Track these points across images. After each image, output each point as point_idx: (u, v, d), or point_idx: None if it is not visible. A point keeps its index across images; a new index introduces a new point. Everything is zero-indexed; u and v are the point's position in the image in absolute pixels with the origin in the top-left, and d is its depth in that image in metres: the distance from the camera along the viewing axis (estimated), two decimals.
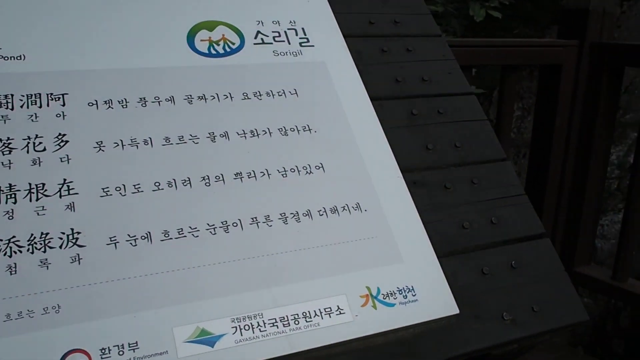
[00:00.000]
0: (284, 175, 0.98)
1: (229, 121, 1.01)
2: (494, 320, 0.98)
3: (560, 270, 1.07)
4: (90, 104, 0.95)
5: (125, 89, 0.99)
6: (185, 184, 0.92)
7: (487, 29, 3.68)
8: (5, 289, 0.78)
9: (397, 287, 0.93)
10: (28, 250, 0.81)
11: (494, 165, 1.16)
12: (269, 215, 0.93)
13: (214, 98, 1.03)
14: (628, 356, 3.57)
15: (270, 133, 1.02)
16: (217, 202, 0.92)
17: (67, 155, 0.90)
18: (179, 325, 0.81)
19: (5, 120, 0.90)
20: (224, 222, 0.91)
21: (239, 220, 0.92)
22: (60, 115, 0.93)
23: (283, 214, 0.94)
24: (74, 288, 0.80)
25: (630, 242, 2.30)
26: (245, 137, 1.00)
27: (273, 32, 1.15)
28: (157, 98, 0.99)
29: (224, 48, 1.09)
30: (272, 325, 0.85)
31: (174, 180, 0.92)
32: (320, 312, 0.88)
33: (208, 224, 0.90)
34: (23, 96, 0.93)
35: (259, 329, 0.84)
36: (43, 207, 0.84)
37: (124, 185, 0.89)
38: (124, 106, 0.97)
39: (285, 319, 0.86)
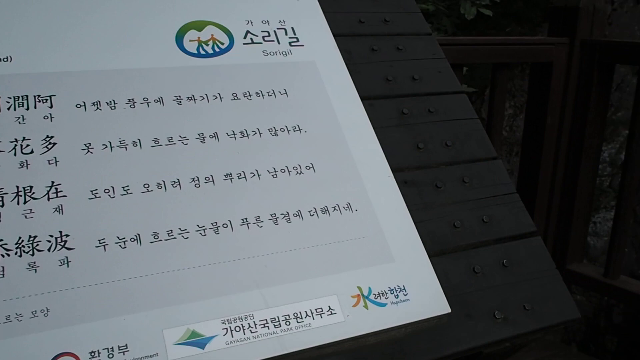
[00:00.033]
0: (274, 176, 0.98)
1: (218, 122, 1.00)
2: (486, 319, 0.98)
3: (552, 268, 1.07)
4: (78, 106, 0.95)
5: (113, 90, 0.98)
6: (174, 185, 0.92)
7: (479, 28, 3.68)
8: None
9: (389, 287, 0.93)
10: (16, 253, 0.80)
11: (485, 164, 1.16)
12: (259, 216, 0.93)
13: (203, 99, 1.02)
14: (621, 353, 3.58)
15: (260, 133, 1.01)
16: (207, 204, 0.92)
17: (55, 158, 0.89)
18: (169, 327, 0.81)
19: None
20: (214, 224, 0.90)
21: (229, 221, 0.91)
22: (47, 117, 0.92)
23: (273, 215, 0.94)
24: (62, 291, 0.79)
25: (622, 240, 2.31)
26: (235, 137, 1.00)
27: (262, 31, 1.15)
28: (145, 99, 0.99)
29: (213, 48, 1.09)
30: (263, 326, 0.84)
31: (163, 181, 0.92)
32: (312, 313, 0.87)
33: (198, 226, 0.89)
34: (10, 98, 0.92)
35: (250, 330, 0.83)
36: (31, 210, 0.84)
37: (112, 187, 0.89)
38: (112, 107, 0.96)
39: (277, 319, 0.85)
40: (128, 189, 0.89)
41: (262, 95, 1.06)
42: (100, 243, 0.84)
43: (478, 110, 3.84)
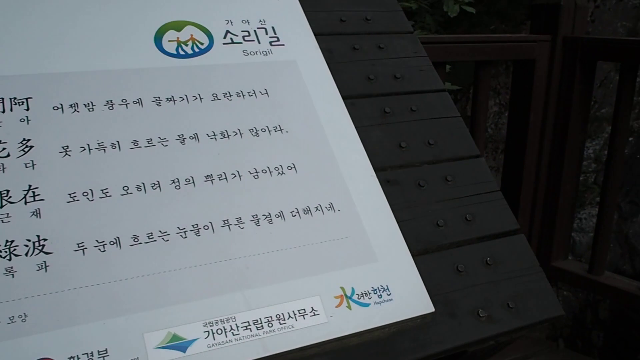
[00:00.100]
0: (256, 177, 0.97)
1: (198, 123, 0.99)
2: (470, 318, 0.97)
3: (535, 265, 1.07)
4: (56, 108, 0.93)
5: (91, 92, 0.97)
6: (154, 187, 0.91)
7: (463, 26, 3.69)
8: None
9: (372, 287, 0.92)
10: None
11: (467, 162, 1.16)
12: (240, 218, 0.92)
13: (183, 99, 1.01)
14: (607, 348, 3.60)
15: (241, 134, 1.01)
16: (187, 205, 0.91)
17: (32, 161, 0.88)
18: (149, 331, 0.80)
19: None
20: (195, 226, 0.90)
21: (210, 223, 0.90)
22: (24, 119, 0.91)
23: (255, 216, 0.93)
24: (40, 296, 0.78)
25: (606, 237, 2.32)
26: (215, 138, 0.99)
27: (242, 31, 1.14)
28: (124, 100, 0.98)
29: (192, 48, 1.08)
30: (245, 328, 0.83)
31: (143, 184, 0.91)
32: (294, 314, 0.87)
33: (179, 228, 0.89)
34: None
35: (232, 333, 0.82)
36: (8, 214, 0.83)
37: (91, 190, 0.88)
38: (91, 109, 0.95)
39: (259, 321, 0.85)
40: (107, 192, 0.88)
41: (243, 95, 1.05)
42: (79, 247, 0.83)
43: (463, 108, 3.85)
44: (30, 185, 0.86)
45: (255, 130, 1.02)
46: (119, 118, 0.96)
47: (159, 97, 1.00)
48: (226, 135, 0.99)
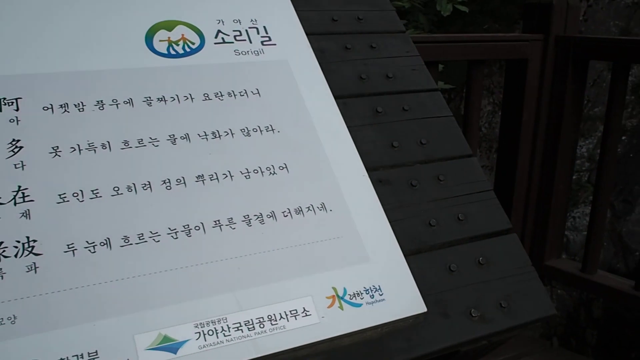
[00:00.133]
0: (247, 177, 0.97)
1: (189, 123, 0.99)
2: (462, 318, 0.97)
3: (528, 265, 1.06)
4: (46, 108, 0.93)
5: (82, 92, 0.96)
6: (145, 188, 0.90)
7: (456, 25, 3.69)
8: None
9: (364, 287, 0.92)
10: None
11: (460, 161, 1.16)
12: (232, 218, 0.92)
13: (174, 99, 1.01)
14: (601, 347, 3.61)
15: (232, 134, 1.00)
16: (178, 206, 0.90)
17: (22, 162, 0.87)
18: (140, 333, 0.79)
19: None
20: (186, 226, 0.89)
21: (202, 223, 0.90)
22: (14, 120, 0.90)
23: (247, 216, 0.93)
24: (30, 298, 0.78)
25: (599, 235, 2.32)
26: (206, 138, 0.98)
27: (234, 31, 1.13)
28: (115, 100, 0.97)
29: (183, 48, 1.07)
30: (236, 329, 0.83)
31: (134, 184, 0.90)
32: (286, 315, 0.86)
33: (170, 229, 0.88)
34: None
35: (224, 334, 0.82)
36: None
37: (81, 191, 0.87)
38: (81, 109, 0.94)
39: (250, 322, 0.84)
40: (97, 193, 0.88)
41: (234, 95, 1.05)
42: (69, 248, 0.82)
43: (457, 107, 3.85)
44: (19, 186, 0.85)
45: (246, 130, 1.01)
46: (109, 118, 0.95)
47: (150, 97, 0.99)
48: (217, 136, 0.99)
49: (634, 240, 3.77)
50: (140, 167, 0.92)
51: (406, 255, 0.98)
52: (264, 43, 1.14)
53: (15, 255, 0.80)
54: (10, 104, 0.91)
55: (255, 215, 0.93)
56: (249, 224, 0.92)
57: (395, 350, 0.92)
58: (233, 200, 0.93)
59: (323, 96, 1.11)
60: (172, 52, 1.06)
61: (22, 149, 0.88)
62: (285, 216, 0.95)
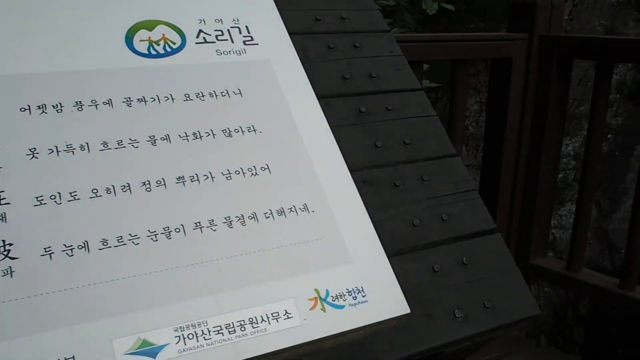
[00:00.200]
0: (229, 178, 0.96)
1: (170, 123, 0.98)
2: (446, 318, 0.97)
3: (512, 265, 1.06)
4: (23, 109, 0.91)
5: (60, 93, 0.95)
6: (124, 189, 0.89)
7: (442, 24, 3.70)
8: None
9: (347, 289, 0.91)
10: None
11: (443, 161, 1.15)
12: (213, 220, 0.91)
13: (155, 100, 0.99)
14: (587, 345, 3.62)
15: (213, 135, 0.99)
16: (158, 208, 0.89)
17: None
18: (118, 337, 0.78)
19: None
20: (166, 228, 0.88)
21: (182, 225, 0.89)
22: None
23: (228, 218, 0.92)
24: (5, 302, 0.76)
25: (583, 234, 2.33)
26: (187, 139, 0.97)
27: (216, 30, 1.12)
28: (94, 101, 0.96)
29: (164, 48, 1.06)
30: (217, 332, 0.82)
31: (113, 186, 0.89)
32: (268, 317, 0.85)
33: (149, 231, 0.87)
34: None
35: (204, 337, 0.81)
36: None
37: (59, 194, 0.86)
38: (59, 111, 0.93)
39: (231, 325, 0.83)
40: (75, 195, 0.86)
41: (216, 95, 1.04)
42: (46, 251, 0.81)
43: (444, 107, 3.86)
44: None
45: (228, 131, 1.00)
46: (88, 119, 0.94)
47: (129, 98, 0.98)
48: (198, 136, 0.98)
49: (620, 238, 3.79)
50: (119, 169, 0.91)
51: (389, 256, 0.98)
52: (246, 43, 1.13)
53: None
54: None
55: (236, 217, 0.92)
56: (230, 225, 0.91)
57: (378, 352, 0.91)
58: (214, 202, 0.92)
59: (306, 96, 1.11)
60: (153, 52, 1.05)
61: None
62: (267, 217, 0.94)
